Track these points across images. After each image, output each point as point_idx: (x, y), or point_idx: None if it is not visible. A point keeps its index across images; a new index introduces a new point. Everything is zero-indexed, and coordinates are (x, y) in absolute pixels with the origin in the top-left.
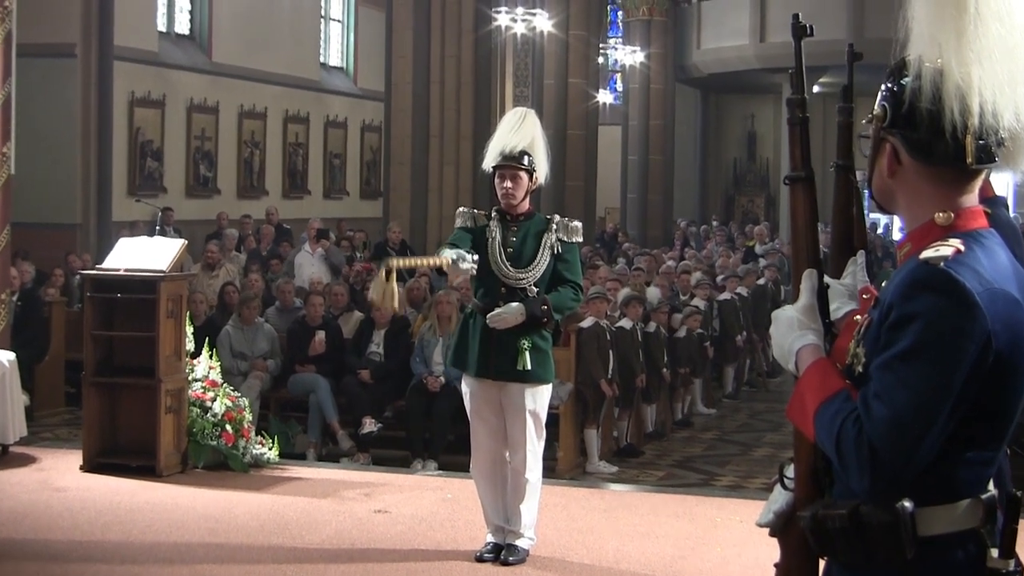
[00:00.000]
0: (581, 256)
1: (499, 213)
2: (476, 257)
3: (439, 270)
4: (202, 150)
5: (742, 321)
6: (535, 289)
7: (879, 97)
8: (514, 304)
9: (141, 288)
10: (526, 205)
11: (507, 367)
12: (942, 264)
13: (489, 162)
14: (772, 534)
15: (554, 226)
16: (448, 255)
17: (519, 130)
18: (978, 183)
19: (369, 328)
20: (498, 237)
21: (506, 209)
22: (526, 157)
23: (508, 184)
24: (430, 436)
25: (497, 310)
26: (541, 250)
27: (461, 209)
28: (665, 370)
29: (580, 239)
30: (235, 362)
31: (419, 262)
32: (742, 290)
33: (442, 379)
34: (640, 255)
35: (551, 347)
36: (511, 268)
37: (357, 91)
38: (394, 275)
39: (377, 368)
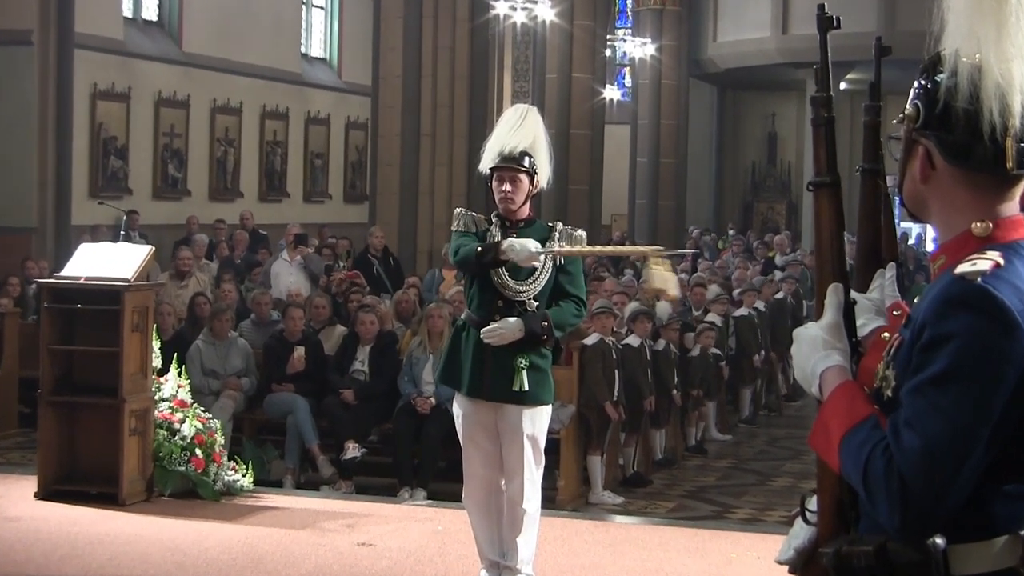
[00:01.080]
0: (585, 267)
1: (498, 219)
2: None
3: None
4: (171, 148)
5: (760, 339)
6: (535, 303)
7: (911, 95)
8: (512, 319)
9: (103, 299)
10: (526, 210)
11: (503, 387)
12: (979, 279)
13: (486, 163)
14: (792, 572)
15: (556, 234)
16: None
17: (519, 129)
18: (1019, 190)
19: (353, 344)
20: None
21: (505, 214)
22: (527, 158)
23: (507, 187)
24: (419, 462)
25: (493, 325)
26: (543, 261)
27: (459, 211)
28: (676, 392)
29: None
30: (206, 380)
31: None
32: (760, 305)
33: (432, 400)
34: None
35: (551, 366)
36: (510, 279)
37: (341, 85)
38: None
39: (361, 388)
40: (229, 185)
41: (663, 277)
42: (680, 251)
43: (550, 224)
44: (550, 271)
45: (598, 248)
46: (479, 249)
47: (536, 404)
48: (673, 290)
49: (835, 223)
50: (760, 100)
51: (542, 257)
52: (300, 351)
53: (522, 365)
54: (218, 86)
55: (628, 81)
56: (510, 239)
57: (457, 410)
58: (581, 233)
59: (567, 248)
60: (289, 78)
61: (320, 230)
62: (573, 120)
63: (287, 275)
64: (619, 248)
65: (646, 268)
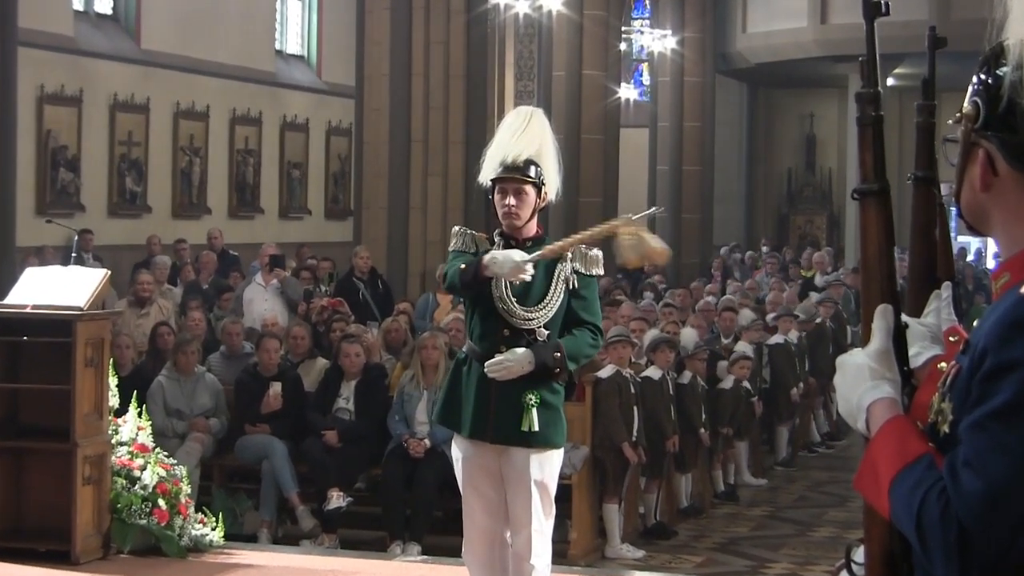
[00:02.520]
0: (600, 291)
1: (502, 237)
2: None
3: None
4: (128, 158)
5: (798, 370)
6: (545, 332)
7: (969, 92)
8: (519, 350)
9: (53, 330)
10: (533, 227)
11: (509, 427)
12: None
13: (487, 174)
14: None
15: (569, 254)
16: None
17: (523, 134)
18: None
19: (336, 379)
20: None
21: (509, 232)
22: (532, 167)
23: (511, 201)
24: (412, 512)
25: (498, 357)
26: (554, 284)
27: (458, 228)
28: (703, 431)
29: (600, 271)
30: (170, 421)
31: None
32: (796, 333)
33: (427, 442)
34: (672, 289)
35: (563, 403)
36: (517, 306)
37: (321, 85)
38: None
39: (346, 428)
40: (195, 200)
41: (638, 241)
42: (647, 212)
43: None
44: (561, 295)
45: (579, 236)
46: (461, 267)
47: (546, 446)
48: (655, 243)
49: (883, 237)
50: (796, 99)
51: (530, 267)
52: (276, 387)
53: (531, 402)
54: (182, 88)
55: (646, 79)
56: (491, 251)
57: (456, 453)
58: (597, 253)
59: (555, 245)
60: (262, 78)
61: (298, 250)
62: (584, 123)
63: (261, 301)
64: (595, 229)
65: (616, 241)
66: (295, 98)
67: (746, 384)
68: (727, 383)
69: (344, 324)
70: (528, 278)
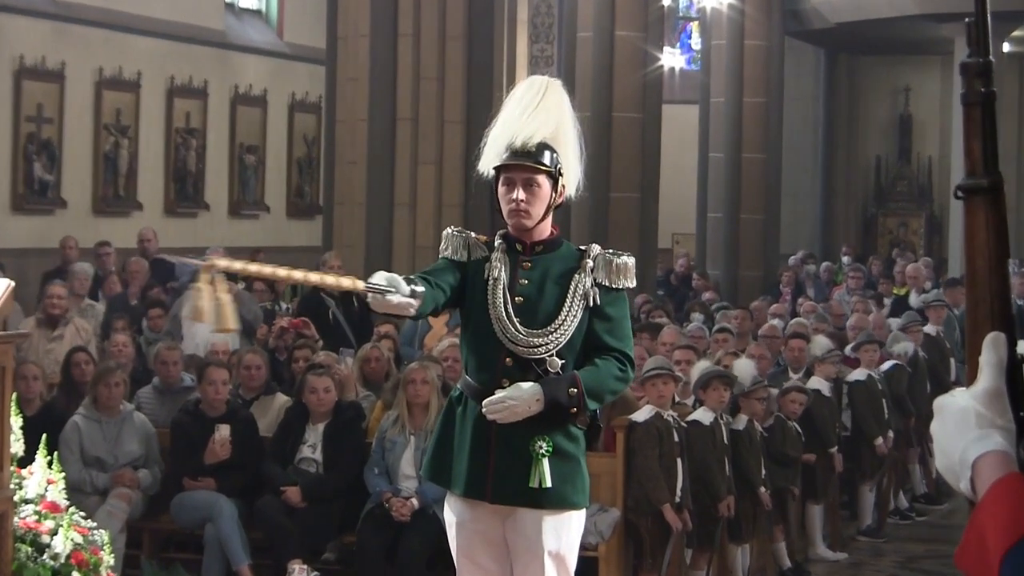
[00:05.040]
0: (633, 310)
1: (505, 240)
2: (420, 290)
3: (355, 298)
4: (38, 139)
5: (887, 413)
6: (558, 361)
7: None
8: (526, 385)
9: None
10: (547, 228)
11: (514, 483)
12: None
13: (490, 161)
14: None
15: (590, 263)
16: (375, 279)
17: (537, 111)
18: None
19: (300, 421)
20: (503, 278)
21: (516, 234)
22: (547, 153)
23: (519, 195)
24: None
25: (500, 393)
26: (569, 300)
27: (449, 231)
28: (764, 489)
29: (631, 283)
30: (88, 473)
31: (273, 273)
32: (890, 366)
33: (414, 501)
34: (727, 309)
35: (584, 452)
36: (522, 328)
37: (283, 48)
38: (220, 281)
39: (312, 484)
40: (122, 192)
41: (205, 301)
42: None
43: (581, 248)
44: (579, 314)
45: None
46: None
47: (562, 507)
48: (217, 320)
49: (994, 246)
50: (888, 69)
51: (393, 297)
52: (224, 431)
53: (542, 451)
54: (105, 50)
55: (696, 42)
56: (376, 284)
57: (449, 516)
58: (626, 260)
59: (239, 265)
60: (208, 38)
61: (253, 257)
62: (617, 99)
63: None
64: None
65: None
66: (249, 64)
67: (794, 425)
68: (769, 420)
69: (310, 351)
70: (412, 311)
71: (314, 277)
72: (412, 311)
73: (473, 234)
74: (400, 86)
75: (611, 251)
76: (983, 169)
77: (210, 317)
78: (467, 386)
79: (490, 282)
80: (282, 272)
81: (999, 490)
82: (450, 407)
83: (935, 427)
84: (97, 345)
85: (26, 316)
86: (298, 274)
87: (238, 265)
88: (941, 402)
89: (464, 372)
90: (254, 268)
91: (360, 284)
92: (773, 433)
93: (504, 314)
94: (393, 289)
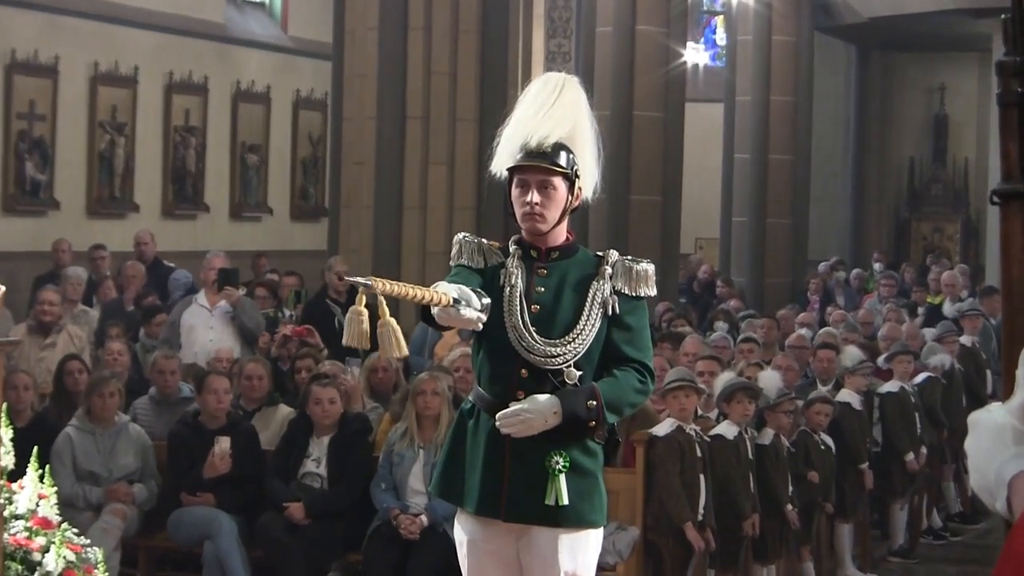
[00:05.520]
0: (653, 319)
1: (520, 246)
2: (487, 302)
3: (424, 312)
4: (30, 137)
5: (920, 428)
6: (576, 373)
7: None
8: (542, 397)
9: None
10: (562, 233)
11: (529, 500)
12: None
13: (503, 162)
14: None
15: (608, 269)
16: (446, 290)
17: (553, 109)
18: None
19: (305, 433)
20: (520, 285)
21: (530, 240)
22: (564, 154)
23: (534, 197)
24: None
25: (514, 406)
26: (588, 308)
27: (462, 236)
28: (791, 507)
29: (652, 291)
30: (82, 487)
31: (406, 291)
32: (924, 378)
33: (424, 518)
34: (753, 318)
35: (601, 468)
36: (538, 337)
37: (287, 43)
38: (382, 305)
39: (317, 500)
40: (117, 193)
41: (359, 327)
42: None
43: (599, 254)
44: (597, 323)
45: (401, 286)
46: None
47: (579, 526)
48: (390, 349)
49: None
50: (922, 66)
51: (466, 311)
52: (224, 444)
53: (559, 467)
54: (100, 43)
55: (721, 37)
56: (453, 296)
57: (460, 535)
58: (646, 268)
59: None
60: (208, 31)
61: (255, 261)
62: (637, 97)
63: (205, 329)
64: (415, 288)
65: (352, 311)
66: (252, 59)
67: (824, 439)
68: (823, 444)
69: (314, 361)
70: (480, 326)
71: (420, 293)
72: (480, 325)
73: (485, 240)
74: (410, 82)
75: (630, 258)
76: (1020, 173)
77: (385, 342)
78: (480, 398)
79: (507, 290)
80: (409, 289)
81: None
82: (461, 420)
83: (969, 443)
84: (91, 353)
85: (17, 322)
86: (417, 291)
87: (396, 288)
88: (976, 417)
89: (476, 383)
90: (400, 289)
91: (446, 298)
92: (799, 448)
93: (520, 323)
94: (465, 303)
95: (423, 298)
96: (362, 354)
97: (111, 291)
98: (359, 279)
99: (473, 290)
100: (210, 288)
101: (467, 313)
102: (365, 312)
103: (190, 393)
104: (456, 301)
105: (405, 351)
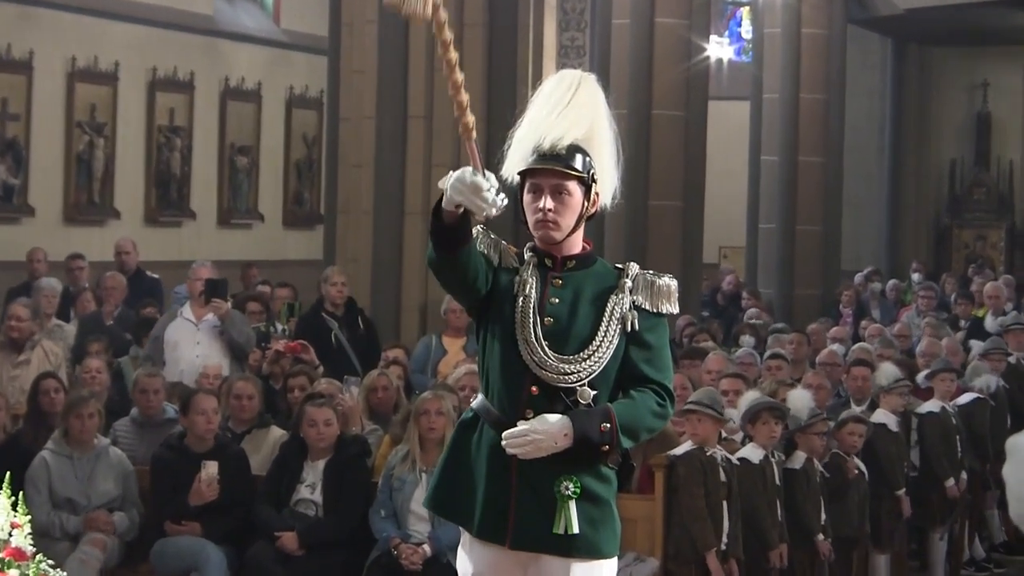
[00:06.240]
0: (674, 333)
1: (534, 254)
2: (503, 201)
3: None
4: (2, 138)
5: (960, 451)
6: (590, 392)
7: None
8: (553, 417)
9: None
10: (578, 242)
11: (537, 527)
12: None
13: (515, 165)
14: None
15: (628, 282)
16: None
17: (568, 109)
18: None
19: (298, 456)
20: (533, 296)
21: (544, 248)
22: (579, 156)
23: (547, 203)
24: None
25: (523, 425)
26: (605, 324)
27: (480, 228)
28: (822, 537)
29: (674, 308)
30: (58, 515)
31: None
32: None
33: (427, 548)
34: (781, 332)
35: (615, 495)
36: (551, 352)
37: (279, 36)
38: None
39: (311, 529)
40: (97, 198)
41: None
42: None
43: (618, 266)
44: (615, 340)
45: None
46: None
47: (591, 556)
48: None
49: None
50: (964, 61)
51: (492, 192)
52: (211, 469)
53: (569, 493)
54: (79, 38)
55: (747, 30)
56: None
57: (464, 565)
58: (668, 283)
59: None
60: (195, 24)
61: (246, 271)
62: (656, 95)
63: (192, 345)
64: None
65: None
66: (242, 53)
67: (858, 463)
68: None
69: (309, 379)
70: (494, 211)
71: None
72: (492, 211)
73: (504, 241)
74: (412, 79)
75: (652, 272)
76: None
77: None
78: (485, 411)
79: (519, 300)
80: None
81: None
82: (462, 430)
83: (1007, 471)
84: (68, 371)
85: None
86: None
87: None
88: (1014, 443)
89: (481, 396)
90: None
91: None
92: (833, 473)
93: (532, 336)
94: (486, 176)
95: (459, 85)
96: (361, 372)
97: (90, 304)
98: None
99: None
100: (196, 301)
101: (483, 184)
102: None
103: (175, 414)
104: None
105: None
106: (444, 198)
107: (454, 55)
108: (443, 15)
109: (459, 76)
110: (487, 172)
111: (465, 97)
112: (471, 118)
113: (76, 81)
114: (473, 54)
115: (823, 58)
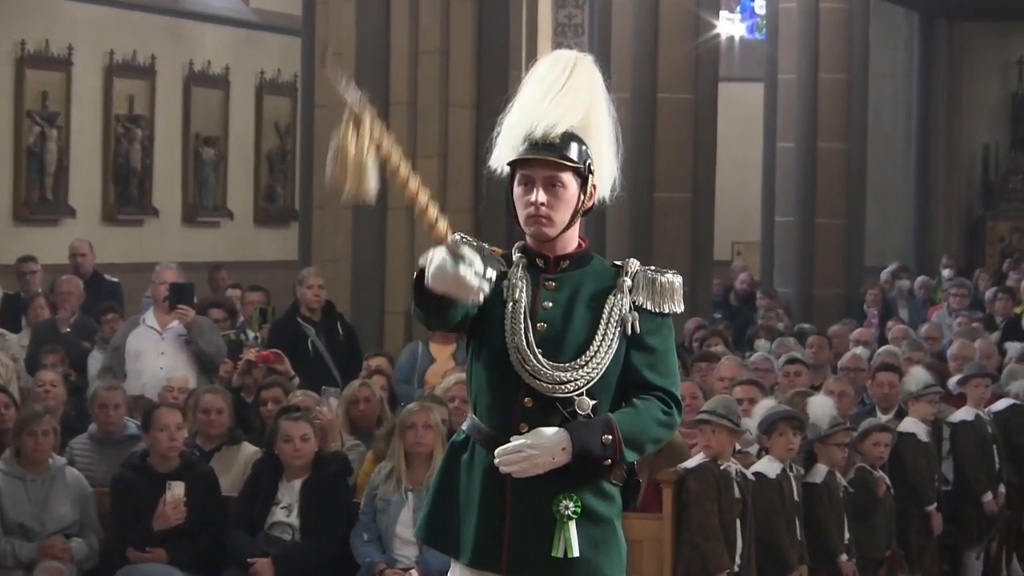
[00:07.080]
0: (682, 337)
1: (524, 255)
2: (493, 276)
3: (418, 278)
4: None
5: (998, 463)
6: (589, 402)
7: None
8: (549, 430)
9: None
10: (574, 239)
11: (534, 551)
12: None
13: (504, 155)
14: None
15: (628, 282)
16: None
17: (563, 93)
18: None
19: (273, 476)
20: (524, 300)
21: (536, 246)
22: (575, 145)
23: (539, 197)
24: None
25: (516, 440)
26: (603, 327)
27: (459, 237)
28: (846, 558)
29: (679, 307)
30: (10, 542)
31: (406, 174)
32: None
33: (414, 573)
34: (800, 334)
35: (619, 514)
36: (545, 360)
37: (249, 15)
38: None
39: (288, 554)
40: (50, 195)
41: (349, 155)
42: None
43: (617, 264)
44: (615, 344)
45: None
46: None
47: None
48: (359, 184)
49: None
50: (997, 37)
51: (474, 278)
52: (177, 490)
53: (568, 513)
54: (28, 19)
55: (760, 5)
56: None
57: None
58: (672, 280)
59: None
60: (156, 4)
61: (213, 274)
62: (661, 76)
63: (155, 355)
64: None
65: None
66: (208, 35)
67: (882, 475)
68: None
69: (283, 391)
70: (481, 297)
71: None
72: (480, 298)
73: (487, 245)
74: (394, 62)
75: (653, 268)
76: None
77: (353, 171)
78: (476, 429)
79: (509, 304)
80: (412, 180)
81: None
82: (453, 453)
83: None
84: (19, 384)
85: None
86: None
87: (397, 159)
88: None
89: (472, 413)
90: (403, 168)
91: (449, 237)
92: (858, 487)
93: (524, 343)
94: (468, 263)
95: (423, 207)
96: (341, 383)
97: (43, 311)
98: (348, 88)
99: (484, 256)
100: (160, 306)
101: (467, 275)
102: (351, 133)
103: (137, 430)
104: (459, 244)
105: (373, 188)
106: (427, 279)
107: (414, 185)
108: (392, 153)
109: (422, 197)
110: (469, 254)
111: (433, 213)
112: (443, 227)
113: (26, 67)
114: (461, 33)
115: (844, 35)
